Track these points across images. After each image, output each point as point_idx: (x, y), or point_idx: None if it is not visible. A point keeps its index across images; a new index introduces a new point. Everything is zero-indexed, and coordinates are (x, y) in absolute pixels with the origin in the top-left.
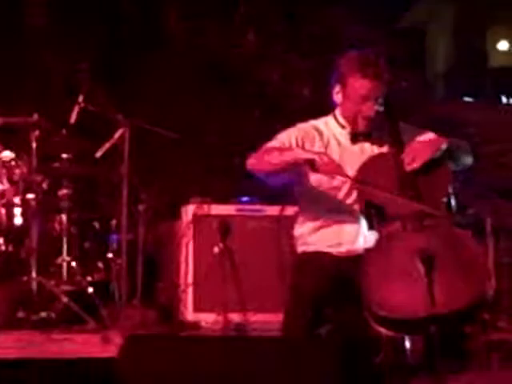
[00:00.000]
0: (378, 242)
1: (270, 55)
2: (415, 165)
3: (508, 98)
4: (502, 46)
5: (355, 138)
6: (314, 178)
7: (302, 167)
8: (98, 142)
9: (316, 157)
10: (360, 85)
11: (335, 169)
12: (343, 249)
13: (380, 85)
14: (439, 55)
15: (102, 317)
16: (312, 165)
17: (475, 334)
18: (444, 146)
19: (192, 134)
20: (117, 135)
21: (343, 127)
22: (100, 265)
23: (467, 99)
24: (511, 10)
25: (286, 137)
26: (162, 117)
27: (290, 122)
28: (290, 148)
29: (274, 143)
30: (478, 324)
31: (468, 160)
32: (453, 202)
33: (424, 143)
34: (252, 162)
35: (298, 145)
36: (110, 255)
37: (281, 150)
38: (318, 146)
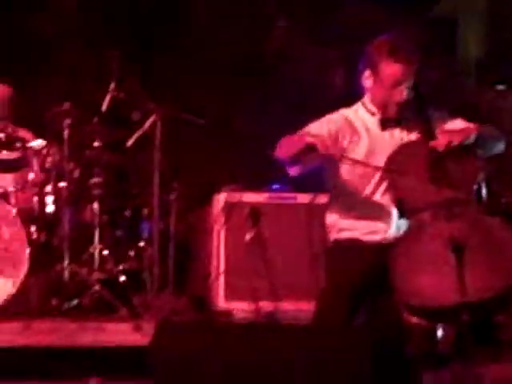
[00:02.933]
0: (409, 231)
1: (299, 44)
2: (445, 148)
3: None
4: None
5: (385, 124)
6: (345, 167)
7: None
8: (129, 130)
9: (317, 141)
10: (392, 69)
11: (336, 152)
12: (377, 237)
13: (411, 69)
14: (471, 43)
15: (134, 305)
16: (313, 149)
17: (507, 323)
18: (475, 134)
19: (222, 121)
20: (148, 123)
21: (373, 114)
22: (132, 253)
23: (499, 87)
24: None
25: (319, 127)
26: (191, 106)
27: (321, 110)
28: (302, 135)
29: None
30: (510, 314)
31: (499, 147)
32: (484, 189)
33: (456, 129)
34: (278, 150)
35: (331, 136)
36: (141, 244)
37: (297, 137)
38: (349, 137)
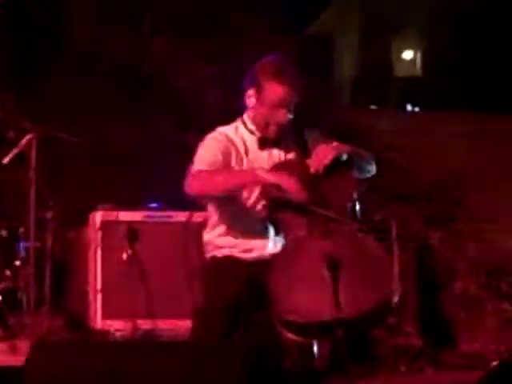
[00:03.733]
0: (285, 248)
1: (177, 63)
2: (320, 167)
3: (412, 106)
4: (407, 55)
5: (264, 143)
6: None
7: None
8: (4, 149)
9: (282, 182)
10: (276, 91)
11: (299, 192)
12: (253, 254)
13: (294, 93)
14: (346, 63)
15: (10, 325)
16: (277, 188)
17: (382, 338)
18: (348, 152)
19: (100, 140)
20: (24, 141)
21: (252, 133)
22: (8, 273)
23: (372, 107)
24: (416, 21)
25: (213, 155)
26: (69, 123)
27: (199, 128)
28: (243, 171)
29: (205, 165)
30: (385, 329)
31: (371, 169)
32: (357, 207)
33: (328, 147)
34: (198, 187)
35: (224, 160)
36: (17, 263)
37: (234, 173)
38: (234, 156)
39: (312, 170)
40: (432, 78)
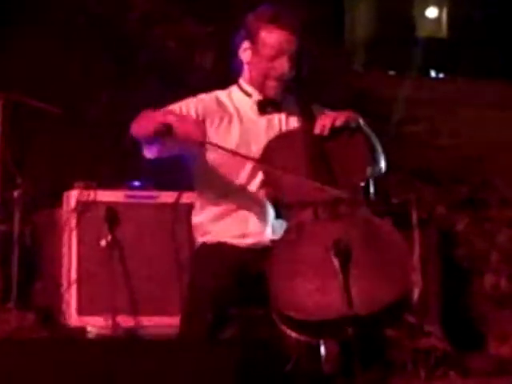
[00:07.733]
0: (287, 233)
1: (164, 19)
2: (325, 128)
3: (437, 71)
4: (431, 12)
5: (263, 107)
6: (212, 157)
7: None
8: None
9: (173, 121)
10: (274, 36)
11: (199, 135)
12: (249, 240)
13: (295, 39)
14: (360, 22)
15: None
16: (169, 130)
17: (399, 339)
18: (360, 121)
19: (76, 109)
20: None
21: (249, 95)
22: None
23: (391, 72)
24: None
25: (184, 105)
26: (41, 90)
27: (189, 95)
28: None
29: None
30: (403, 328)
31: (382, 161)
32: (371, 188)
33: (339, 112)
34: (133, 127)
35: (197, 118)
36: None
37: (158, 113)
38: (218, 121)
39: (316, 130)
40: (459, 40)
